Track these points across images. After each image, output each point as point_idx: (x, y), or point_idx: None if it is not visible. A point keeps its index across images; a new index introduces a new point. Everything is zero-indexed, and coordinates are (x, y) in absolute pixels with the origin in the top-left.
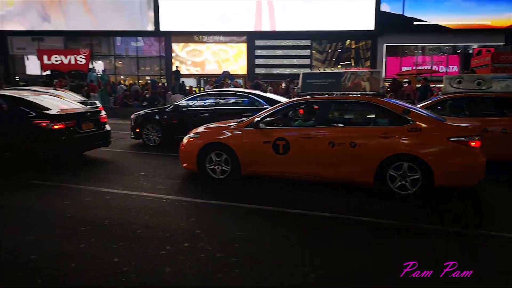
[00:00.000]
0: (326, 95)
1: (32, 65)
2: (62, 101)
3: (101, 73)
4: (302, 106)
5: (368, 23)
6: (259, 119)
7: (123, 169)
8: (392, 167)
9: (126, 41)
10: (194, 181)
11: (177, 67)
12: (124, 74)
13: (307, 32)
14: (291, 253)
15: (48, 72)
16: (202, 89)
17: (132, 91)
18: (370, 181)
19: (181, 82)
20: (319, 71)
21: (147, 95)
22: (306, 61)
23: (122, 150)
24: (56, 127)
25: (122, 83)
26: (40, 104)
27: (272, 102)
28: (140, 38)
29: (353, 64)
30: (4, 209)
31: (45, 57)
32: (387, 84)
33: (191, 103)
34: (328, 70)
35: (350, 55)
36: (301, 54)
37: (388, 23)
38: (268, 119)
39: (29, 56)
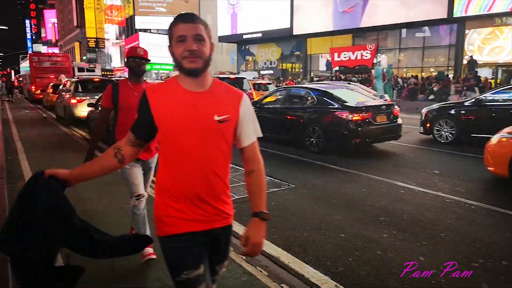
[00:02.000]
0: None
1: (323, 63)
2: (359, 95)
3: (387, 67)
4: None
5: None
6: None
7: (414, 165)
8: None
9: (411, 32)
10: (502, 188)
11: (471, 56)
12: (407, 67)
13: None
14: None
15: (336, 68)
16: (498, 80)
17: (411, 83)
18: None
19: (474, 73)
20: None
21: (434, 88)
22: None
23: (411, 145)
24: (354, 118)
25: (404, 76)
26: (341, 97)
27: None
28: (426, 28)
29: None
30: (313, 187)
31: (335, 55)
32: None
33: (498, 96)
34: None
35: None
36: None
37: None
38: None
39: (322, 54)
